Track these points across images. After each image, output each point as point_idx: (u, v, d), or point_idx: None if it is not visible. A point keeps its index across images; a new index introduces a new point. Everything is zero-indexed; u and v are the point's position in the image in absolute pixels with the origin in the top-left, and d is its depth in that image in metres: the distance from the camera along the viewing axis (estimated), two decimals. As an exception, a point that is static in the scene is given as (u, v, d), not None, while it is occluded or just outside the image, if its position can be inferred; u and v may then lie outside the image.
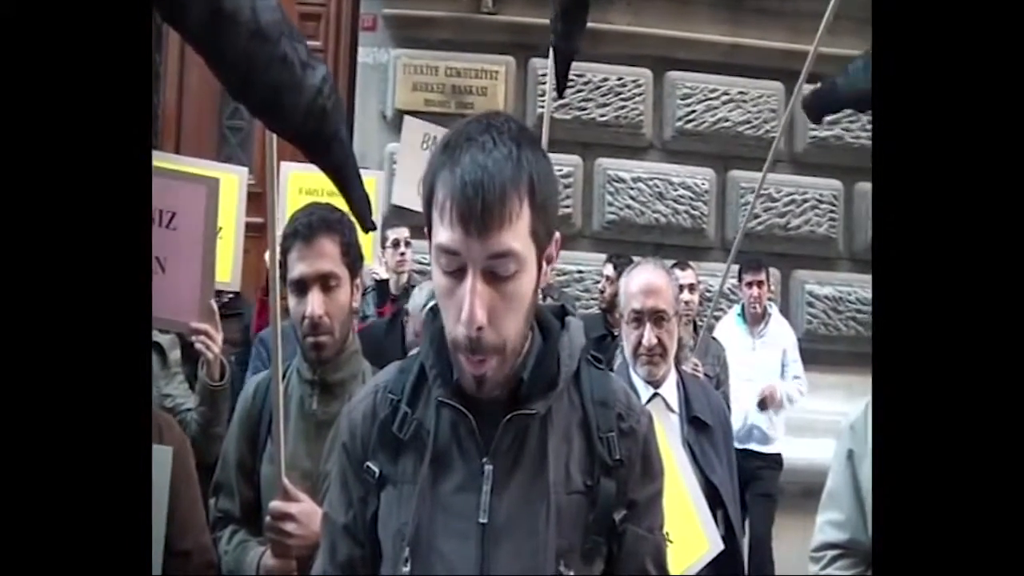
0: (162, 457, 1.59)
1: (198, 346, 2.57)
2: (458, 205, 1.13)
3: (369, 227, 1.07)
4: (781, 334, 5.27)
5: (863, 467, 1.83)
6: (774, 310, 5.39)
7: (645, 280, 2.50)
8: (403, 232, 4.79)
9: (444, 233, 1.16)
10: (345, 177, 1.05)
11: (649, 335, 2.44)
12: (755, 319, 5.25)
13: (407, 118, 4.35)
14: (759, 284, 5.20)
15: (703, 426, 2.46)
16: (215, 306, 2.49)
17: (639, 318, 2.47)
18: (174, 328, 2.66)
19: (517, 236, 1.16)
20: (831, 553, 1.92)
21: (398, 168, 4.32)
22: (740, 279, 5.26)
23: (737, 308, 5.41)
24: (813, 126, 6.33)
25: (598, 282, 5.51)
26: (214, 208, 2.33)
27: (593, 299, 5.81)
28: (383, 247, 4.73)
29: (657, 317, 2.46)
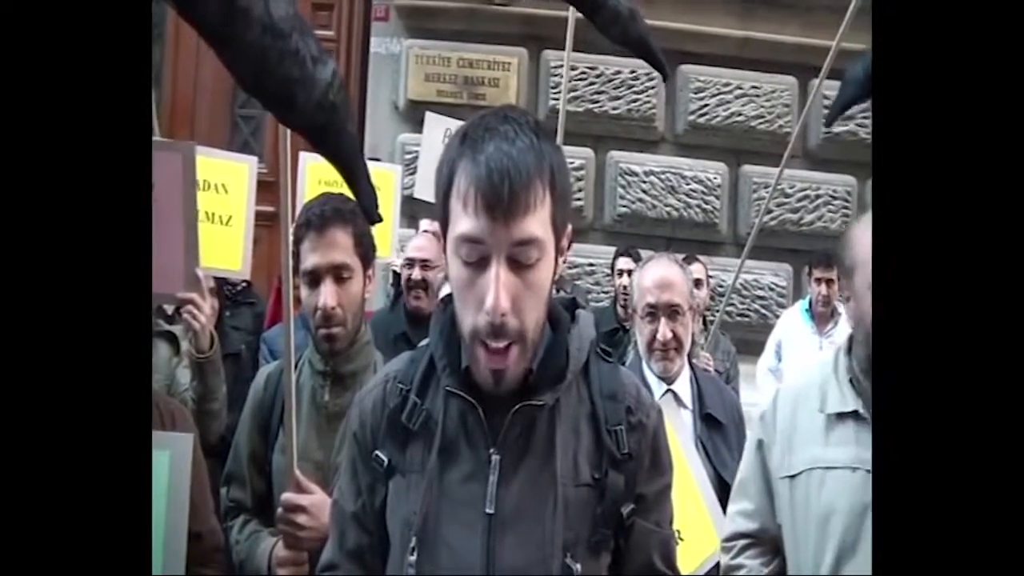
0: (183, 445, 1.58)
1: (185, 316, 2.51)
2: (484, 193, 1.14)
3: (375, 219, 1.10)
4: None
5: (772, 457, 1.84)
6: (844, 310, 5.08)
7: (659, 274, 2.48)
8: (437, 226, 4.67)
9: (467, 222, 1.16)
10: (352, 168, 1.07)
11: (664, 329, 2.43)
12: (823, 318, 4.90)
13: (428, 113, 4.36)
14: (828, 282, 4.79)
15: (716, 423, 2.44)
16: (201, 275, 2.46)
17: (653, 312, 2.45)
18: (160, 301, 2.65)
19: (540, 224, 1.17)
20: (741, 543, 1.92)
21: (419, 162, 4.34)
22: (809, 274, 4.97)
23: (803, 303, 5.08)
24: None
25: (609, 275, 5.50)
26: (192, 175, 2.30)
27: (604, 292, 5.80)
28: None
29: (671, 311, 2.44)
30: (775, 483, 1.83)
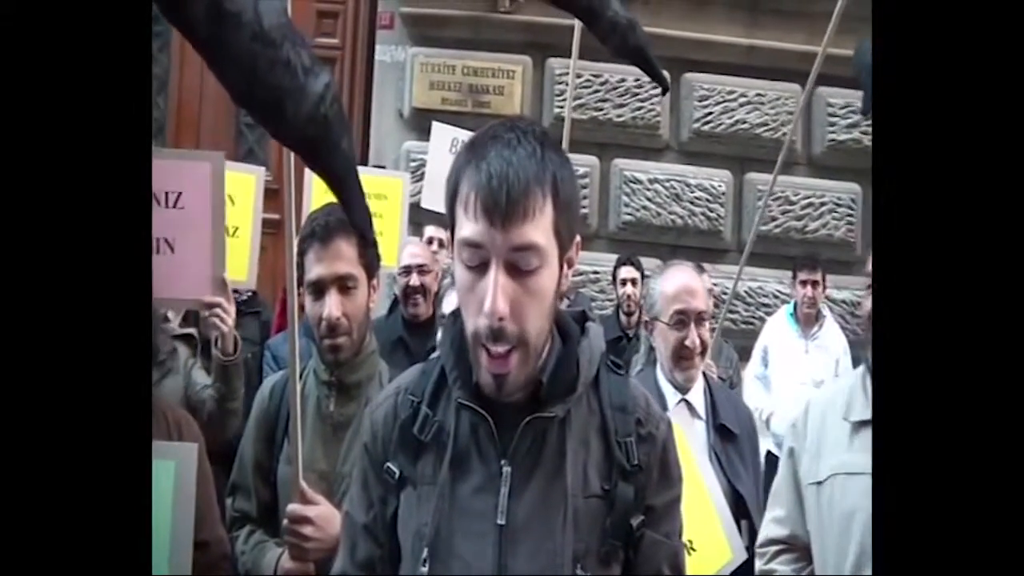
0: (189, 454, 1.59)
1: (211, 319, 2.54)
2: (483, 197, 1.16)
3: (369, 239, 1.04)
4: (835, 340, 4.97)
5: (802, 465, 1.89)
6: (828, 314, 5.11)
7: (683, 281, 2.49)
8: (442, 233, 4.57)
9: (468, 226, 1.18)
10: (344, 186, 0.99)
11: (693, 336, 2.43)
12: (808, 320, 4.94)
13: (435, 123, 4.36)
14: (814, 284, 4.92)
15: (730, 435, 2.43)
16: (227, 279, 2.48)
17: (683, 320, 2.43)
18: (188, 306, 2.69)
19: (540, 231, 1.17)
20: (773, 548, 1.97)
21: (426, 172, 4.34)
22: (794, 277, 5.04)
23: (788, 308, 5.14)
24: (831, 129, 6.32)
25: (613, 283, 5.49)
26: (220, 183, 2.33)
27: (608, 300, 5.80)
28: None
29: (699, 317, 2.45)
30: (804, 490, 1.87)
